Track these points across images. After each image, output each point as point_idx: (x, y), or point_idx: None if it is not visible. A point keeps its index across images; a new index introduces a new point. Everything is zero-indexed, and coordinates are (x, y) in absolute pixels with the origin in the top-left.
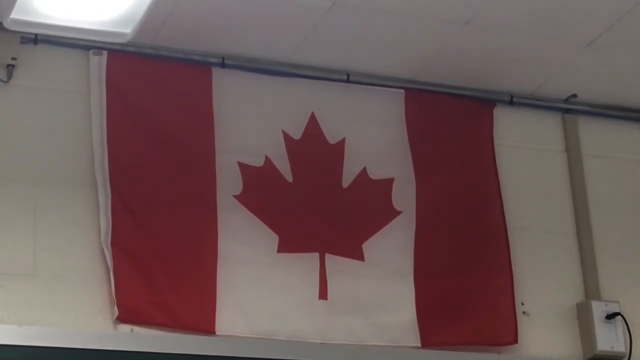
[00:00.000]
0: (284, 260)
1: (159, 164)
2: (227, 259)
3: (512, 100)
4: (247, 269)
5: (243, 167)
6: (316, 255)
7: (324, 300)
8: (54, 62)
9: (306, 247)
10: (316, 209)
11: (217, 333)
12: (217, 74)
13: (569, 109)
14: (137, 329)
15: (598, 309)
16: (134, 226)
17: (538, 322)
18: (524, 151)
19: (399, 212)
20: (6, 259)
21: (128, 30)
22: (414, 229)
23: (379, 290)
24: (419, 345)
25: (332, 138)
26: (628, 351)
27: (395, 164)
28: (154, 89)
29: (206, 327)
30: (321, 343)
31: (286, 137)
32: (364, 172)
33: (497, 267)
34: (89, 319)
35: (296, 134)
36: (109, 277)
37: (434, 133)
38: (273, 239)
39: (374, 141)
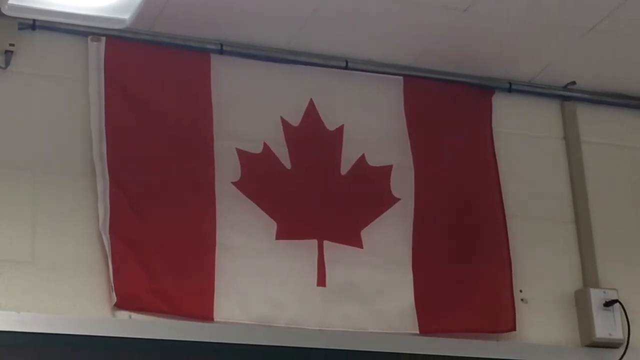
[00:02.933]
0: (283, 247)
1: (157, 151)
2: (226, 245)
3: (511, 88)
4: (245, 256)
5: (241, 153)
6: (314, 242)
7: (322, 287)
8: (52, 48)
9: (304, 234)
10: (315, 195)
11: (215, 320)
12: (216, 61)
13: (567, 96)
14: (135, 316)
15: (596, 297)
16: (132, 213)
17: (536, 309)
18: (522, 138)
19: (397, 199)
20: (5, 246)
21: (126, 16)
22: (413, 216)
23: (377, 277)
24: (417, 332)
25: (330, 125)
26: (626, 338)
27: (394, 151)
28: (152, 75)
29: (204, 313)
30: (319, 330)
31: (285, 123)
32: (362, 159)
33: (496, 254)
34: (88, 306)
35: (295, 120)
36: (107, 264)
37: (433, 120)
38: (271, 225)
39: (373, 128)
